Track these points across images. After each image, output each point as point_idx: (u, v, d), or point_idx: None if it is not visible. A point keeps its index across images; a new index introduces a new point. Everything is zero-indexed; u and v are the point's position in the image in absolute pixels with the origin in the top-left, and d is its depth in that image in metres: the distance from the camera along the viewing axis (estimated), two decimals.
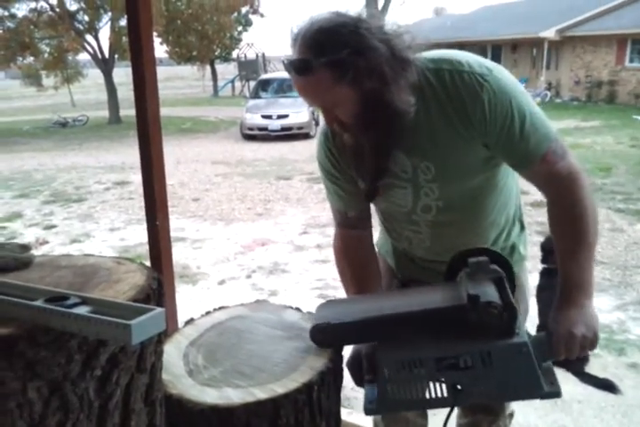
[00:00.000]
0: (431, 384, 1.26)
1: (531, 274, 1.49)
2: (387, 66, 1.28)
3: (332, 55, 1.24)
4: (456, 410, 1.99)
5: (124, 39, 18.15)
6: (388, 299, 1.46)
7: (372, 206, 1.66)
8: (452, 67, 1.36)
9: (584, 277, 1.38)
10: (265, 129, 14.54)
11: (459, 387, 1.25)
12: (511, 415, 1.91)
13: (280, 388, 1.20)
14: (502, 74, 1.37)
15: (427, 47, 1.40)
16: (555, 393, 1.27)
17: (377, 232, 1.80)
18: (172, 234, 2.39)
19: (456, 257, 1.39)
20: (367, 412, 1.34)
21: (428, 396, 1.27)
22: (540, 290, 3.43)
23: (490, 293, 1.22)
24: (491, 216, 1.57)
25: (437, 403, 1.28)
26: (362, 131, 1.38)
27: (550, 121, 1.42)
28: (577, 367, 3.23)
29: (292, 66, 1.29)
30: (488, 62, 1.39)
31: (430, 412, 2.61)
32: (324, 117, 1.41)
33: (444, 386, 1.26)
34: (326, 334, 1.34)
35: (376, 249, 1.75)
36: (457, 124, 1.37)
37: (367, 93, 1.29)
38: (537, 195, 1.65)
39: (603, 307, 4.11)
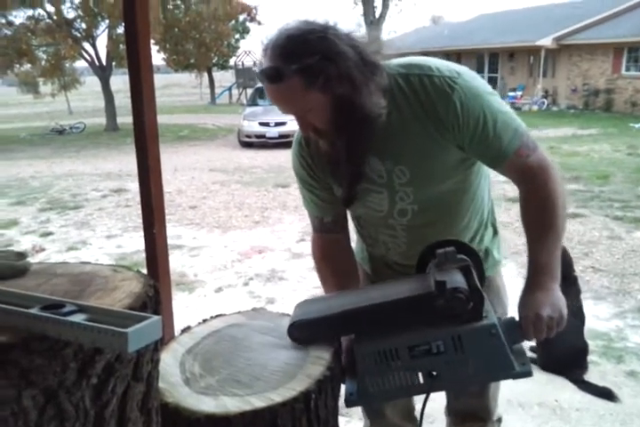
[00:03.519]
0: (407, 373, 1.30)
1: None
2: (356, 70, 1.31)
3: (302, 62, 1.26)
4: (445, 420, 2.00)
5: (122, 47, 18.21)
6: (362, 293, 1.50)
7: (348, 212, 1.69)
8: (421, 71, 1.40)
9: (551, 262, 1.43)
10: (262, 136, 14.56)
11: (434, 373, 1.29)
12: (499, 421, 1.93)
13: (277, 396, 1.19)
14: (471, 76, 1.42)
15: (397, 55, 1.44)
16: (526, 373, 1.31)
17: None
18: (169, 242, 2.39)
19: (425, 250, 1.44)
20: (348, 404, 1.37)
21: (405, 384, 1.31)
22: None
23: (456, 279, 1.26)
24: (465, 219, 1.60)
25: (415, 390, 1.33)
26: (336, 136, 1.40)
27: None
28: (576, 375, 3.23)
29: (263, 74, 1.31)
30: (456, 66, 1.43)
31: (427, 420, 2.61)
32: (298, 125, 1.43)
33: (420, 374, 1.30)
34: (303, 331, 1.37)
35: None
36: (430, 127, 1.41)
37: (339, 98, 1.32)
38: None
39: (601, 315, 4.11)
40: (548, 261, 1.43)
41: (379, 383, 1.31)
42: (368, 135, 1.41)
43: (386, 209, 1.55)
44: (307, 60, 1.26)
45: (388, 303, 1.31)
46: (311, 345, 1.37)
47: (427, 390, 1.31)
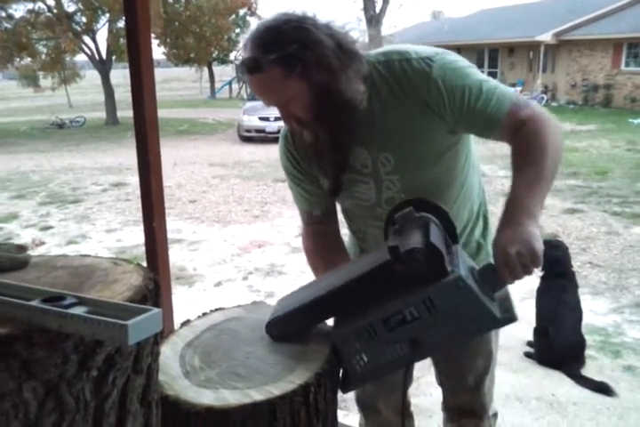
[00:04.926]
0: (390, 346, 1.27)
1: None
2: (334, 57, 1.32)
3: (280, 51, 1.29)
4: (441, 417, 2.00)
5: (122, 40, 18.18)
6: (332, 276, 1.44)
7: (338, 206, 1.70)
8: (401, 57, 1.41)
9: (530, 201, 1.31)
10: (262, 131, 14.54)
11: (417, 341, 1.24)
12: (495, 416, 1.93)
13: (276, 389, 1.20)
14: (450, 55, 1.43)
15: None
16: (509, 319, 1.27)
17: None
18: (169, 235, 2.39)
19: (387, 217, 1.39)
20: (342, 389, 1.37)
21: (391, 358, 1.27)
22: (541, 293, 3.44)
23: (412, 240, 1.20)
24: (452, 209, 1.56)
25: (402, 362, 1.29)
26: (318, 124, 1.41)
27: None
28: (573, 370, 3.24)
29: (243, 66, 1.34)
30: (437, 49, 1.45)
31: (425, 414, 2.62)
32: (281, 116, 1.45)
33: (402, 345, 1.25)
34: (279, 327, 1.36)
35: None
36: (413, 110, 1.41)
37: (318, 85, 1.33)
38: None
39: (598, 310, 4.13)
40: (528, 200, 1.31)
41: (365, 363, 1.29)
42: (350, 123, 1.41)
43: (373, 198, 1.55)
44: (284, 49, 1.28)
45: (351, 282, 1.28)
46: (289, 340, 1.37)
47: (412, 359, 1.28)
